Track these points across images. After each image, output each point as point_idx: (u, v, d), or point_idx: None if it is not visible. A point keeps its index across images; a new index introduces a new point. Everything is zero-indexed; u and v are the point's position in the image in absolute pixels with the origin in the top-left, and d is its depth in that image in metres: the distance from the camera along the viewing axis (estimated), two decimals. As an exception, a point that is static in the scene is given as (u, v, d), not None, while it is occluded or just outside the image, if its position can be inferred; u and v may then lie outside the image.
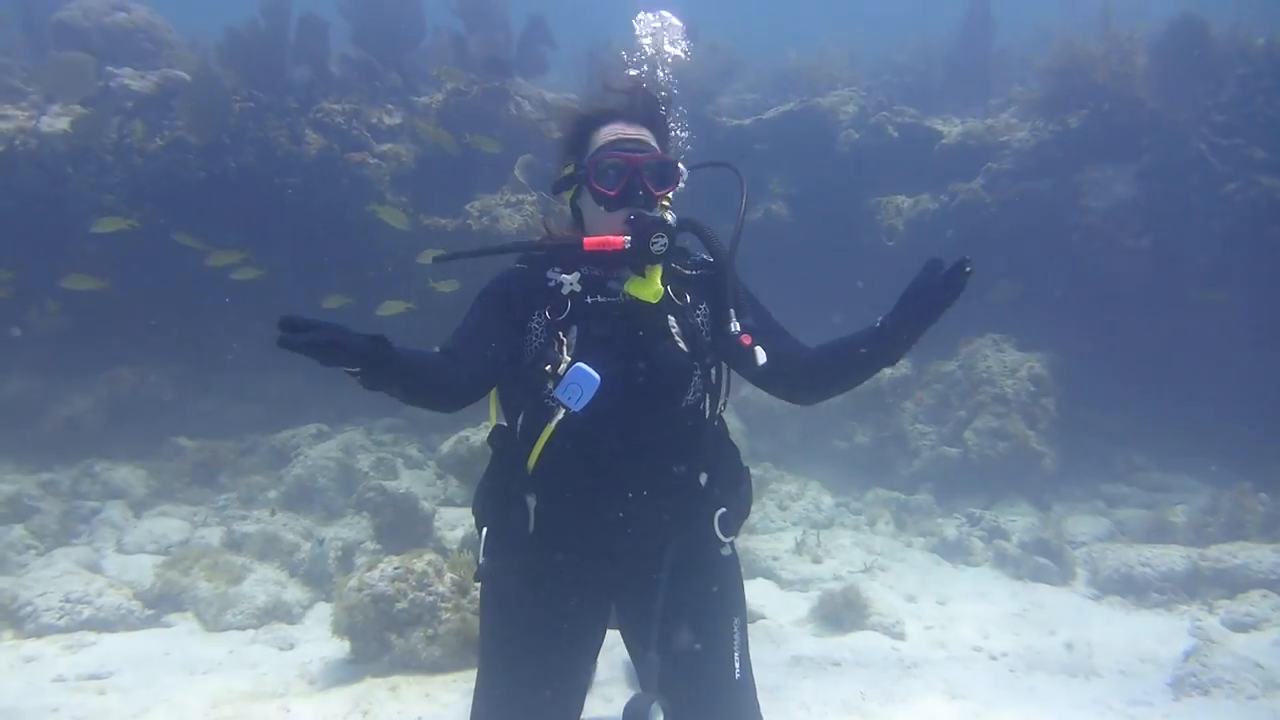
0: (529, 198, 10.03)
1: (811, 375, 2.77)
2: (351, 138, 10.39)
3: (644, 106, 2.80)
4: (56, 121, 9.79)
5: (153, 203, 9.82)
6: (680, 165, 2.74)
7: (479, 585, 2.92)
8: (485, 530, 2.79)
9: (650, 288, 2.63)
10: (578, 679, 2.88)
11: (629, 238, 2.58)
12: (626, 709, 2.59)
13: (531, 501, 2.70)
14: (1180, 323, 10.10)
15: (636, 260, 2.62)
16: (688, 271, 2.82)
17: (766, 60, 16.30)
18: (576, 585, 2.78)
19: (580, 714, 2.91)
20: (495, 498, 2.77)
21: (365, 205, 10.00)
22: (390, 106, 11.11)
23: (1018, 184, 11.10)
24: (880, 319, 2.57)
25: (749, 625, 6.54)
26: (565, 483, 2.68)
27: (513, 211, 9.94)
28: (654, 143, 2.75)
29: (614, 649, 3.27)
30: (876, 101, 12.79)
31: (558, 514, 2.71)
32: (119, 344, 9.93)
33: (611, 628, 2.98)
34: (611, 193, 2.65)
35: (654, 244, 2.57)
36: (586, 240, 2.63)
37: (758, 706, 2.94)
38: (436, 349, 2.61)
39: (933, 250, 2.93)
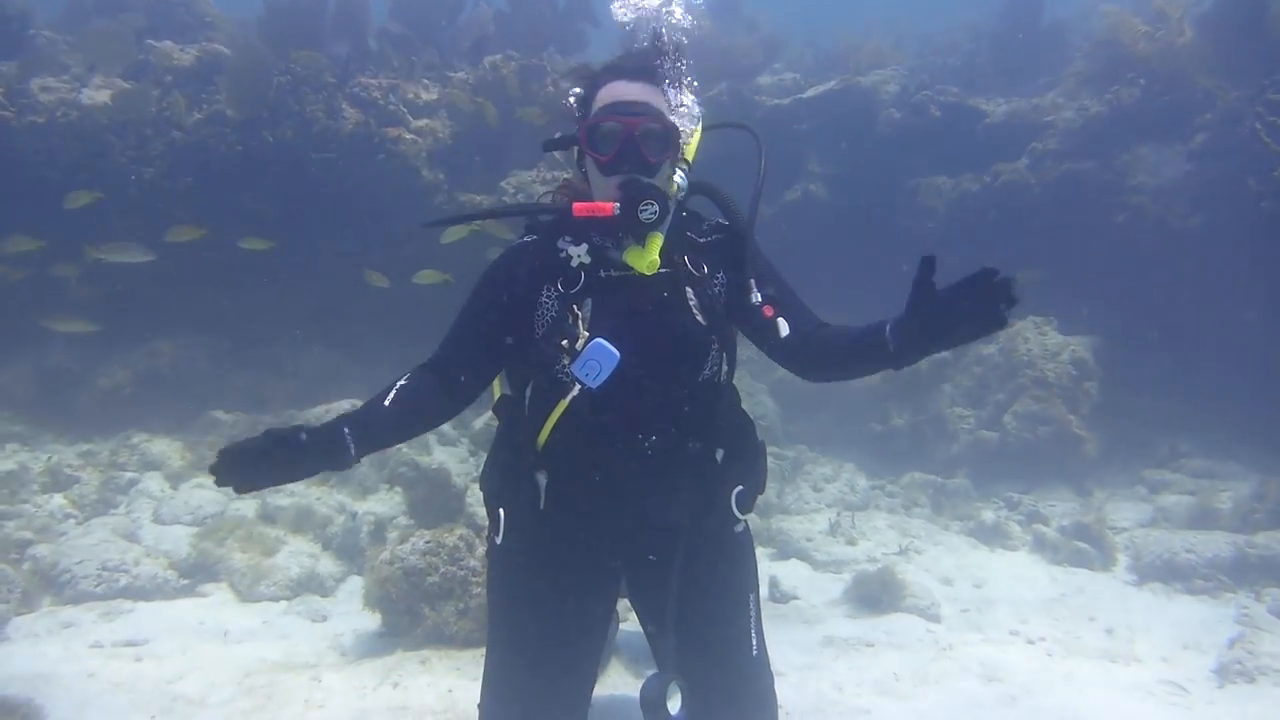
0: (566, 174, 9.98)
1: (822, 358, 2.66)
2: (388, 113, 10.37)
3: (645, 60, 2.67)
4: (97, 94, 9.85)
5: (191, 176, 9.87)
6: (681, 127, 2.60)
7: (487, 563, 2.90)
8: (494, 508, 2.74)
9: (645, 258, 2.53)
10: (589, 657, 2.84)
11: (618, 204, 2.49)
12: (644, 689, 2.55)
13: (542, 479, 2.65)
14: (1228, 307, 9.87)
15: (626, 228, 2.53)
16: (703, 239, 2.73)
17: (809, 39, 16.15)
18: (587, 564, 2.73)
19: (592, 691, 2.87)
20: (504, 474, 2.72)
21: (403, 180, 10.01)
22: (427, 82, 11.07)
23: (1063, 164, 10.90)
24: (890, 328, 2.35)
25: (782, 605, 6.52)
26: (577, 460, 2.62)
27: (549, 189, 9.87)
28: (657, 100, 2.59)
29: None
30: (919, 81, 12.61)
31: (569, 492, 2.65)
32: (157, 317, 10.01)
33: (621, 596, 2.95)
34: (604, 158, 2.56)
35: (642, 211, 2.47)
36: (577, 206, 2.53)
37: (773, 680, 2.91)
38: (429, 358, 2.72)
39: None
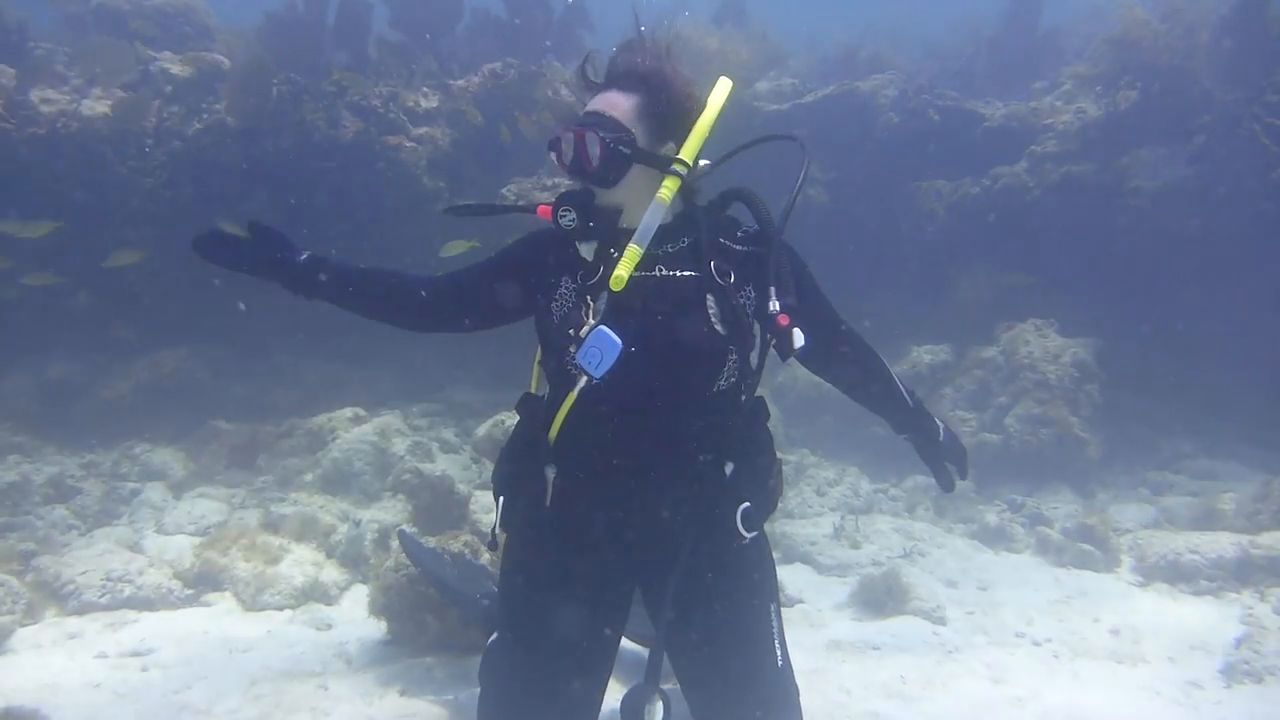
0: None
1: (838, 381, 3.14)
2: (388, 121, 10.38)
3: (620, 70, 2.72)
4: (97, 105, 9.84)
5: (192, 185, 9.87)
6: (622, 145, 2.58)
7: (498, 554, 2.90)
8: (502, 500, 2.74)
9: (613, 271, 2.52)
10: (597, 657, 2.79)
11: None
12: (624, 700, 2.53)
13: (550, 473, 2.63)
14: (1230, 309, 9.87)
15: (561, 232, 2.64)
16: (737, 247, 2.72)
17: (810, 45, 16.18)
18: (592, 564, 2.69)
19: (604, 691, 2.82)
20: (514, 467, 2.73)
21: (404, 189, 10.02)
22: (426, 90, 11.08)
23: (1062, 167, 10.91)
24: (910, 431, 3.25)
25: (787, 610, 6.49)
26: (584, 457, 2.61)
27: (549, 195, 9.89)
28: (621, 108, 2.62)
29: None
30: (917, 85, 12.61)
31: (574, 489, 2.63)
32: (159, 327, 10.01)
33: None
34: (564, 167, 2.66)
35: (561, 218, 2.57)
36: (540, 208, 2.65)
37: (798, 692, 2.87)
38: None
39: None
